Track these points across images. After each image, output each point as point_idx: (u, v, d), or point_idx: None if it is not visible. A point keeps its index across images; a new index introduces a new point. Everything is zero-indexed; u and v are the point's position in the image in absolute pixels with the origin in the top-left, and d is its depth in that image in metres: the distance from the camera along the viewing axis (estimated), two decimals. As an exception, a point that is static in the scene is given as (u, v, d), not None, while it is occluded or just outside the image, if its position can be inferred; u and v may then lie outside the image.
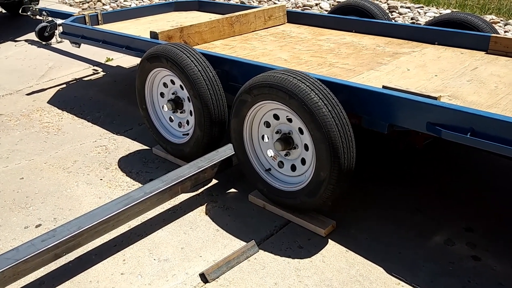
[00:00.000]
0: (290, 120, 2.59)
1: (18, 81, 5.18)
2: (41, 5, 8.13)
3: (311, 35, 4.12)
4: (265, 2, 7.59)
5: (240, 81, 3.04)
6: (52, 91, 4.88)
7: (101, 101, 4.60)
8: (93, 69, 5.46)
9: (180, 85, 3.11)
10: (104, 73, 5.35)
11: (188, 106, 3.16)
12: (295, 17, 4.59)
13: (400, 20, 6.62)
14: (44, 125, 4.14)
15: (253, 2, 7.64)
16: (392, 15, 6.90)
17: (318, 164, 2.44)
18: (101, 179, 3.26)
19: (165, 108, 3.22)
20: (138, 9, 5.19)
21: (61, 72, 5.42)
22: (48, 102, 4.61)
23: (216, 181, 3.17)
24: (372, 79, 2.96)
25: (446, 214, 2.80)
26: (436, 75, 3.00)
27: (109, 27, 4.67)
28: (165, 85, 3.26)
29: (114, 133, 3.92)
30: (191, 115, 3.14)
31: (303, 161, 2.62)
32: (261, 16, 4.37)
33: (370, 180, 3.15)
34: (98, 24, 4.79)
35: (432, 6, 7.39)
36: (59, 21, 4.72)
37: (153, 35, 3.64)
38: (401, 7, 7.20)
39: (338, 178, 2.40)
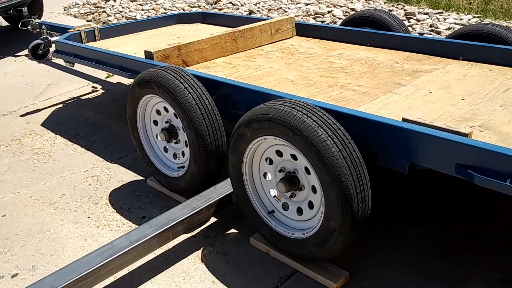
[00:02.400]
0: (295, 158, 2.24)
1: (14, 101, 4.93)
2: (45, 16, 7.94)
3: (322, 50, 3.76)
4: (275, 10, 7.25)
5: (241, 108, 2.71)
6: (48, 112, 4.60)
7: (97, 123, 4.30)
8: (92, 87, 5.18)
9: (174, 113, 2.78)
10: (104, 91, 5.06)
11: (183, 136, 2.83)
12: (304, 30, 4.24)
13: (418, 28, 6.23)
14: (35, 151, 3.85)
15: (263, 10, 7.31)
16: (409, 22, 6.50)
17: (327, 212, 2.09)
18: (88, 217, 2.95)
19: (159, 138, 2.90)
20: (139, 23, 4.89)
21: (59, 90, 5.15)
22: (42, 125, 4.33)
23: (215, 220, 2.83)
24: (389, 104, 2.60)
25: (476, 261, 2.42)
26: (463, 98, 2.63)
27: (107, 44, 4.39)
28: (158, 112, 2.94)
29: (108, 161, 3.61)
30: (187, 146, 2.82)
31: (310, 205, 2.27)
32: (267, 30, 4.03)
33: (386, 218, 2.78)
34: (95, 40, 4.51)
35: (452, 12, 6.97)
36: (53, 38, 4.44)
37: (148, 55, 3.33)
38: (418, 13, 6.80)
39: (351, 228, 2.04)
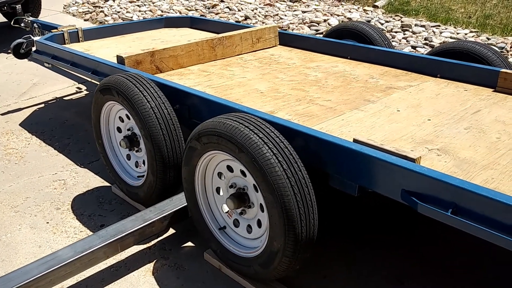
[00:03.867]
0: (244, 174, 2.18)
1: (-2, 99, 4.91)
2: (44, 14, 7.96)
3: (301, 61, 3.70)
4: (271, 17, 7.20)
5: (202, 119, 2.65)
6: (28, 112, 4.58)
7: (75, 125, 4.26)
8: (77, 87, 5.15)
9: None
10: (87, 92, 5.03)
11: (144, 144, 2.78)
12: (287, 39, 4.18)
13: (412, 40, 6.14)
14: (8, 151, 3.82)
15: (259, 16, 7.25)
16: (404, 34, 6.42)
17: (271, 232, 2.02)
18: (47, 223, 2.91)
19: (121, 145, 2.85)
20: (125, 25, 4.86)
21: (43, 89, 5.13)
22: (20, 124, 4.30)
23: (173, 231, 2.78)
24: (353, 122, 2.53)
25: (431, 286, 2.34)
26: (430, 119, 2.56)
27: (89, 45, 4.36)
28: (121, 119, 2.89)
29: (78, 165, 3.57)
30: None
31: (259, 223, 2.21)
32: (248, 38, 3.98)
33: (340, 239, 2.71)
34: (79, 42, 4.48)
35: (450, 25, 6.88)
36: (36, 37, 4.41)
37: (119, 60, 3.28)
38: (415, 25, 6.71)
39: (294, 251, 1.98)
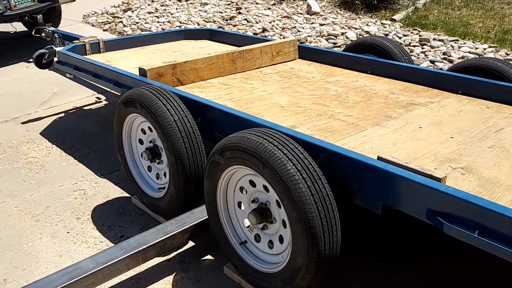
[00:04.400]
0: (267, 189, 2.19)
1: (18, 107, 4.98)
2: (64, 23, 8.07)
3: (321, 75, 3.71)
4: (288, 30, 7.23)
5: (225, 132, 2.66)
6: (48, 121, 4.64)
7: (95, 135, 4.31)
8: (96, 97, 5.21)
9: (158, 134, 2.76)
10: (107, 102, 5.09)
11: (166, 157, 2.80)
12: (307, 53, 4.20)
13: (431, 55, 6.12)
14: (29, 160, 3.87)
15: (276, 29, 7.29)
16: (422, 48, 6.40)
17: (294, 248, 2.02)
18: (68, 232, 2.93)
19: (143, 157, 2.88)
20: (145, 37, 4.92)
21: (64, 99, 5.20)
22: (40, 133, 4.36)
23: (193, 244, 2.78)
24: (374, 138, 2.52)
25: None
26: (452, 136, 2.54)
27: (110, 56, 4.41)
28: (143, 131, 2.92)
29: (98, 175, 3.60)
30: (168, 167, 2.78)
31: (281, 239, 2.21)
32: (267, 52, 4.00)
33: (363, 255, 2.69)
34: (100, 53, 4.54)
35: (468, 40, 6.85)
36: (58, 48, 4.48)
37: (142, 72, 3.32)
38: (433, 39, 6.70)
39: (317, 268, 1.97)
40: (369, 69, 3.73)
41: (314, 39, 6.81)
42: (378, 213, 2.05)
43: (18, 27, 7.83)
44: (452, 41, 6.76)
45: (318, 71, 3.85)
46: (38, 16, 6.49)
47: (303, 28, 7.28)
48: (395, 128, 2.66)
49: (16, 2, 6.43)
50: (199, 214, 2.61)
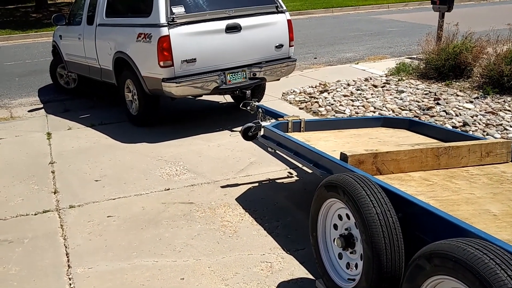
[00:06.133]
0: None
1: (220, 171, 5.44)
2: (265, 99, 8.77)
3: (539, 184, 3.31)
4: (493, 127, 6.73)
5: (427, 234, 2.51)
6: (244, 188, 4.95)
7: (284, 208, 4.45)
8: (288, 172, 5.43)
9: (355, 223, 2.72)
10: (297, 178, 5.26)
11: (360, 248, 2.73)
12: (521, 157, 3.81)
13: None
14: (224, 223, 4.14)
15: (479, 124, 6.85)
16: None
17: None
18: (251, 303, 3.00)
19: (335, 243, 2.85)
20: (343, 121, 5.05)
21: (259, 169, 5.53)
22: (236, 199, 4.67)
23: None
24: None
25: None
26: None
27: (309, 136, 4.60)
28: (339, 217, 2.91)
29: (284, 250, 3.67)
30: (361, 259, 2.70)
31: None
32: (476, 151, 3.74)
33: None
34: (300, 131, 4.77)
35: None
36: (263, 123, 4.84)
37: (343, 157, 3.37)
38: None
39: None
40: None
41: (523, 139, 6.20)
42: None
43: (227, 99, 8.75)
44: None
45: (536, 179, 3.45)
46: (246, 91, 7.18)
47: (511, 126, 6.70)
48: None
49: (231, 77, 7.22)
50: (389, 316, 2.44)
